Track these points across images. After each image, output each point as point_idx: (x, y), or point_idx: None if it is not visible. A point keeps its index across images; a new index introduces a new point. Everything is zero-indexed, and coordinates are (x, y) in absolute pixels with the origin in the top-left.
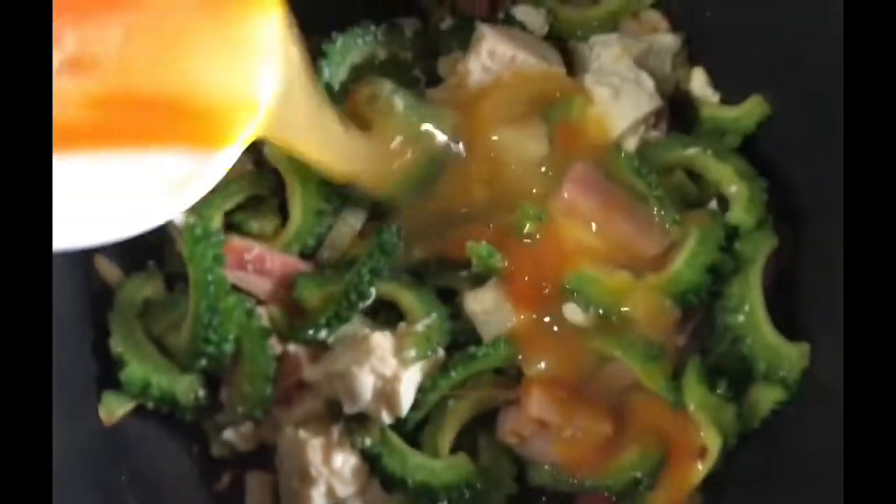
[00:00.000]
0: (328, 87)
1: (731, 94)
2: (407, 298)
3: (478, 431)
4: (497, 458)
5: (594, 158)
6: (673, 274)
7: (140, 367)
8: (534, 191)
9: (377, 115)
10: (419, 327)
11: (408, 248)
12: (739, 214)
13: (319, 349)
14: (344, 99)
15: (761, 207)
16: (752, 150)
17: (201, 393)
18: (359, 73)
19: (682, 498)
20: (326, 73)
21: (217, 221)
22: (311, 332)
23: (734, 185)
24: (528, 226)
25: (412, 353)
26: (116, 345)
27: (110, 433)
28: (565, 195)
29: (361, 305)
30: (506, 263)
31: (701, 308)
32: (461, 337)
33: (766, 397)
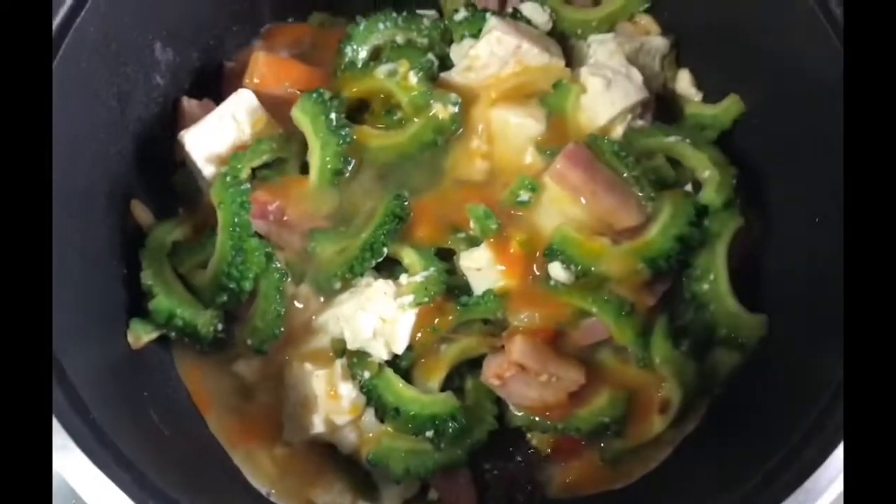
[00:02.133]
0: (350, 65)
1: (711, 93)
2: (409, 255)
3: (465, 374)
4: (480, 399)
5: (584, 140)
6: (646, 241)
7: (167, 300)
8: (528, 164)
9: (394, 87)
10: (418, 278)
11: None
12: (710, 195)
13: (327, 292)
14: (364, 76)
15: (730, 190)
16: (727, 144)
17: (220, 327)
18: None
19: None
20: (349, 51)
21: (245, 173)
22: (326, 281)
23: (707, 170)
24: (522, 194)
25: (410, 298)
26: (146, 278)
27: (136, 356)
28: (558, 167)
29: (374, 262)
30: (499, 226)
31: (671, 276)
32: (455, 290)
33: (727, 360)
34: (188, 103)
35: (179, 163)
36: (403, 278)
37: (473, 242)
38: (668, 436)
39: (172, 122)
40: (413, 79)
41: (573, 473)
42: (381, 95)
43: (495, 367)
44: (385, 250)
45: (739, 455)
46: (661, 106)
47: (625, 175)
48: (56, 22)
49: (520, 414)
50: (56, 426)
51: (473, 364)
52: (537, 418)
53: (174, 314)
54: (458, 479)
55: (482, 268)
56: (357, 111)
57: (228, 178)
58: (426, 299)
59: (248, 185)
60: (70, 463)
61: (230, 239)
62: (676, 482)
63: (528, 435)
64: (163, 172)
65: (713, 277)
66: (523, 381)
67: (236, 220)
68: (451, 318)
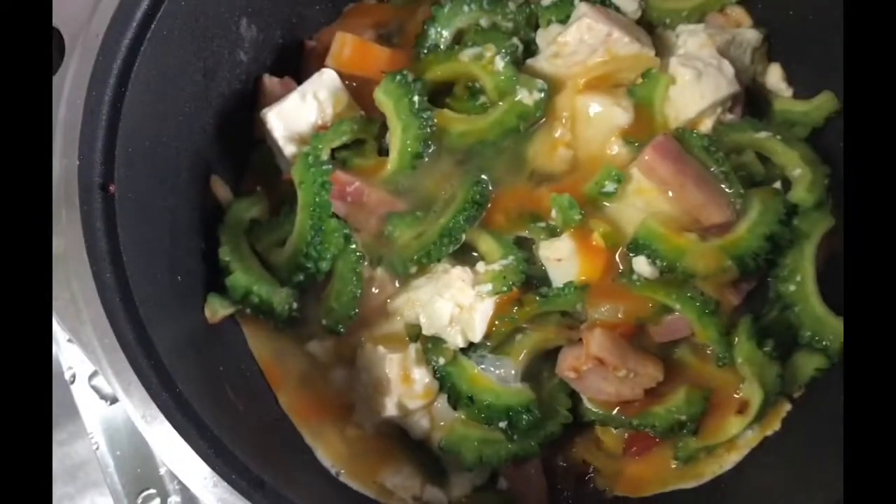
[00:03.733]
0: (433, 48)
1: (804, 89)
2: (487, 242)
3: (541, 366)
4: (555, 391)
5: (673, 133)
6: (734, 238)
7: (244, 276)
8: (613, 154)
9: (479, 70)
10: (496, 266)
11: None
12: (801, 194)
13: (403, 277)
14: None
15: (822, 190)
16: (819, 141)
17: (295, 305)
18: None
19: None
20: (432, 33)
21: (325, 154)
22: (402, 265)
23: (799, 168)
24: (607, 185)
25: (489, 287)
26: (224, 254)
27: (212, 331)
28: (646, 158)
29: (452, 248)
30: (583, 216)
31: (757, 275)
32: (534, 281)
33: (809, 363)
34: (270, 81)
35: (259, 140)
36: (480, 266)
37: (553, 233)
38: (744, 439)
39: (253, 99)
40: (499, 63)
41: (643, 470)
42: (465, 79)
43: (572, 360)
44: (463, 236)
45: (815, 465)
46: (749, 101)
47: (713, 170)
48: None
49: (594, 409)
50: (146, 398)
51: (548, 356)
52: (612, 413)
53: (251, 291)
54: (528, 470)
55: (563, 259)
56: (439, 95)
57: (310, 158)
58: (505, 289)
59: (330, 166)
60: (159, 435)
61: (310, 218)
62: (748, 487)
63: (598, 430)
64: (243, 149)
65: (800, 278)
66: (600, 375)
67: (317, 199)
68: (529, 308)
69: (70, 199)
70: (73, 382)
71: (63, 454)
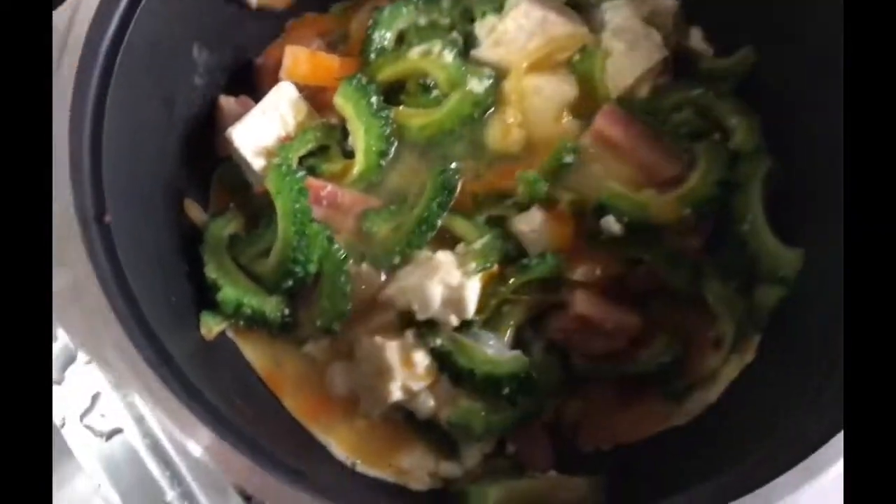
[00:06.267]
0: (380, 51)
1: (723, 47)
2: (462, 225)
3: (528, 334)
4: (546, 353)
5: (616, 101)
6: (689, 188)
7: (233, 290)
8: (564, 129)
9: (430, 65)
10: (476, 245)
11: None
12: (740, 140)
13: (388, 269)
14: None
15: (758, 135)
16: (744, 93)
17: (286, 311)
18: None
19: None
20: (377, 37)
21: (294, 162)
22: (385, 257)
23: (734, 117)
24: (565, 157)
25: (473, 265)
26: (210, 272)
27: (212, 347)
28: (598, 126)
29: (430, 235)
30: (548, 189)
31: (712, 220)
32: (512, 254)
33: (770, 294)
34: (227, 101)
35: (224, 158)
36: (460, 248)
37: (522, 208)
38: (725, 371)
39: (212, 121)
40: (448, 56)
41: (636, 416)
42: (416, 76)
43: (559, 323)
44: (439, 222)
45: (793, 382)
46: (676, 64)
47: (658, 129)
48: (107, 36)
49: (585, 364)
50: (181, 409)
51: (532, 323)
52: (602, 366)
53: (242, 303)
54: (533, 431)
55: (535, 230)
56: (393, 94)
57: (283, 168)
58: (488, 265)
59: (304, 173)
60: (200, 439)
61: (292, 225)
62: (735, 414)
63: (590, 385)
64: (209, 170)
65: (751, 217)
66: (587, 332)
67: (296, 206)
68: (512, 281)
69: (73, 234)
70: (63, 426)
71: (61, 495)
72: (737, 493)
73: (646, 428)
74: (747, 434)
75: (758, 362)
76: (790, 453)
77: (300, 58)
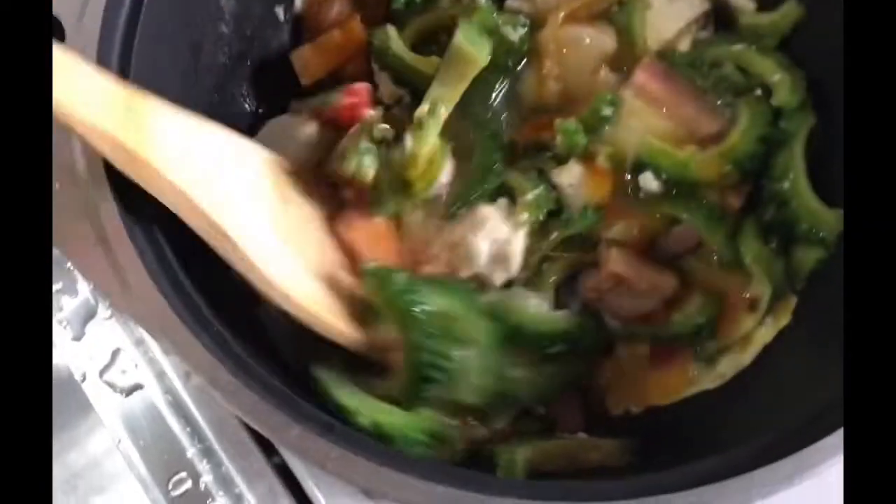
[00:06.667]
0: (409, 1)
1: (767, 2)
2: (515, 178)
3: (564, 294)
4: (581, 312)
5: (656, 54)
6: (731, 144)
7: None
8: (602, 82)
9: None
10: (529, 196)
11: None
12: (783, 96)
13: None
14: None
15: (802, 91)
16: (789, 48)
17: None
18: None
19: None
20: None
21: None
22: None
23: (777, 74)
24: (604, 109)
25: (524, 216)
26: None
27: None
28: (638, 79)
29: (497, 182)
30: (587, 140)
31: (752, 178)
32: (552, 209)
33: (809, 256)
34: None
35: None
36: (501, 201)
37: (560, 161)
38: (759, 334)
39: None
40: (481, 1)
41: (668, 379)
42: (448, 27)
43: (593, 282)
44: (500, 167)
45: (827, 352)
46: (717, 19)
47: (700, 84)
48: None
49: (618, 325)
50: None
51: (567, 280)
52: (635, 327)
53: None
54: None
55: (574, 183)
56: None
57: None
58: (540, 216)
59: None
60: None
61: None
62: (769, 379)
63: (621, 347)
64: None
65: (793, 176)
66: (621, 291)
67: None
68: (554, 235)
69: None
70: (83, 381)
71: (80, 450)
72: (776, 456)
73: (677, 391)
74: (782, 398)
75: (794, 326)
76: (828, 418)
77: (306, 56)
